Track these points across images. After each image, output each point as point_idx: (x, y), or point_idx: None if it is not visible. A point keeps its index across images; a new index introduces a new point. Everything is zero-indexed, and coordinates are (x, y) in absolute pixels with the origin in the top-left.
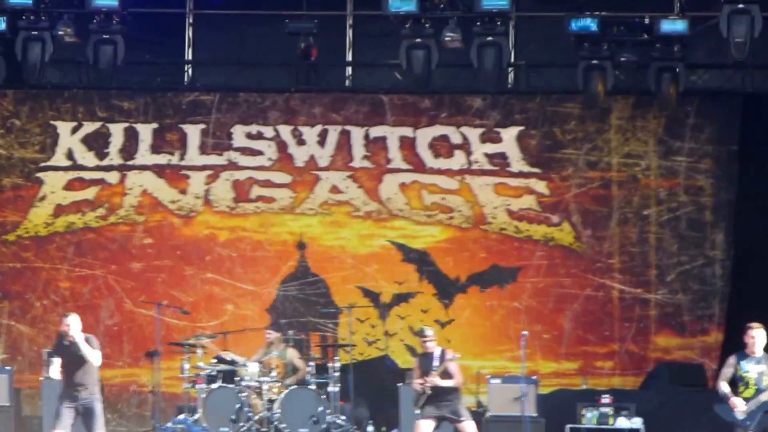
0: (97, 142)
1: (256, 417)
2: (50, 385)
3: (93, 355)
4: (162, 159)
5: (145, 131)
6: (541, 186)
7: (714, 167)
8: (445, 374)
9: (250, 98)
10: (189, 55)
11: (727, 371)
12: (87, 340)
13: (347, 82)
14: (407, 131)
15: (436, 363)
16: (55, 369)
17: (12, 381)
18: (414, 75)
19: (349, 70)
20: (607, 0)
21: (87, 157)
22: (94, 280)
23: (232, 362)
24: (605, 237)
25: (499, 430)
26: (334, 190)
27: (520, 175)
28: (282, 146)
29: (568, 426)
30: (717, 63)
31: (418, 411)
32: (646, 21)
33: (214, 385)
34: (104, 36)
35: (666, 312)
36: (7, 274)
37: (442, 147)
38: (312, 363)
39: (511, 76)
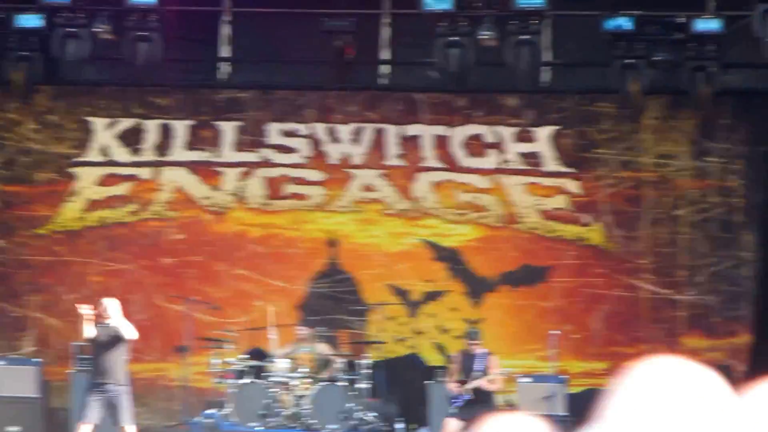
0: (132, 139)
1: (286, 413)
2: (79, 378)
3: (128, 329)
4: (196, 156)
5: (181, 128)
6: (573, 186)
7: (746, 168)
8: (485, 373)
9: (285, 96)
10: (225, 52)
11: None
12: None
13: (382, 81)
14: (442, 130)
15: (478, 365)
16: (90, 329)
17: (41, 373)
18: (449, 73)
19: (384, 68)
20: None
21: (121, 153)
22: (125, 274)
23: (263, 356)
24: (636, 237)
25: None
26: (367, 188)
27: (553, 174)
28: (316, 144)
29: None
30: (751, 63)
31: (453, 411)
32: (681, 20)
33: (243, 381)
34: (141, 33)
35: (695, 313)
36: (38, 267)
37: (475, 146)
38: (342, 360)
39: (546, 75)
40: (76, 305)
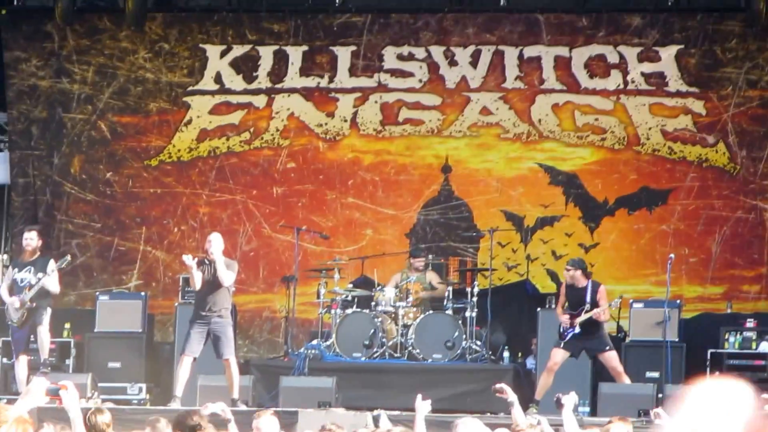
0: (246, 66)
1: (390, 342)
2: (183, 312)
3: (224, 275)
4: (311, 82)
5: (295, 54)
6: (698, 106)
7: None
8: (594, 306)
9: (402, 19)
10: None
11: None
12: (227, 266)
13: (502, 2)
14: (563, 51)
15: (587, 297)
16: (198, 277)
17: (146, 307)
18: None
19: None
20: None
21: (235, 81)
22: (234, 205)
23: (370, 286)
24: (760, 158)
25: (639, 355)
26: (485, 111)
27: (677, 94)
28: (433, 67)
29: (710, 351)
30: None
31: (561, 342)
32: None
33: (348, 311)
34: None
35: None
36: (147, 199)
37: (598, 67)
38: (450, 288)
39: None
40: (183, 256)
